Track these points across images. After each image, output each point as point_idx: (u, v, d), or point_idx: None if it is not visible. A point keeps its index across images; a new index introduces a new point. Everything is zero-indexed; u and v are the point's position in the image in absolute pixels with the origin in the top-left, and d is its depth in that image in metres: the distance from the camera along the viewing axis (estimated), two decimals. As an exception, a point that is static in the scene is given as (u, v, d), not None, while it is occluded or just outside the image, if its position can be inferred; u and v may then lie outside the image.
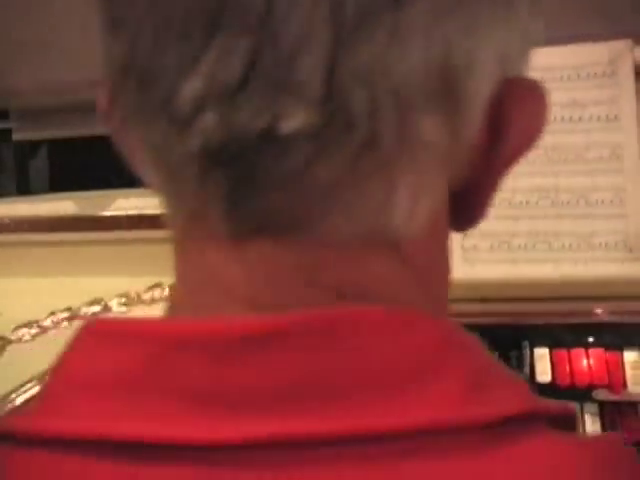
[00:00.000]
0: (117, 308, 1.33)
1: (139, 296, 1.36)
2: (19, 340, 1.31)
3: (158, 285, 1.33)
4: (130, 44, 0.34)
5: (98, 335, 0.38)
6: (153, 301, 1.31)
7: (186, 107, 0.33)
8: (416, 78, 0.33)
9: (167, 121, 0.34)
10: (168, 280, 1.47)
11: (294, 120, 0.32)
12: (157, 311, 1.41)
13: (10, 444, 0.36)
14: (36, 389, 1.12)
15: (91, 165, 1.86)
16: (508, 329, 1.25)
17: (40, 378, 1.11)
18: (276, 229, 0.36)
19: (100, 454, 0.34)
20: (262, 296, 0.36)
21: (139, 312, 1.33)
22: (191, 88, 0.33)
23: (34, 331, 1.32)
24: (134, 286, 1.38)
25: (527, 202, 1.23)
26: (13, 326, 1.34)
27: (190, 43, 0.32)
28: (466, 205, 0.41)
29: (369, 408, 0.34)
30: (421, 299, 0.39)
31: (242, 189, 0.35)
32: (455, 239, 1.22)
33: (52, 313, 1.37)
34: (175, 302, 0.42)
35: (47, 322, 1.35)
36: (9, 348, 1.31)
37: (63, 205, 1.50)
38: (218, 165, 0.34)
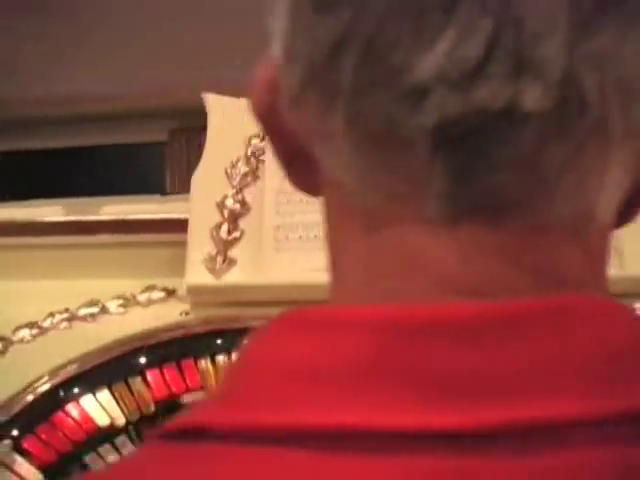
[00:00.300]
0: (115, 309, 1.39)
1: (134, 297, 1.41)
2: (20, 341, 1.36)
3: (152, 287, 1.39)
4: (352, 19, 0.35)
5: (299, 324, 0.38)
6: (149, 302, 1.37)
7: (423, 82, 0.34)
8: None
9: (398, 94, 0.35)
10: (161, 282, 1.52)
11: (533, 100, 0.34)
12: (152, 312, 1.46)
13: (205, 440, 0.36)
14: (46, 386, 1.18)
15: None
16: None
17: (51, 375, 1.16)
18: (491, 211, 0.36)
19: (326, 446, 0.33)
20: (471, 280, 0.36)
21: (136, 314, 1.38)
22: (429, 63, 0.34)
23: (35, 332, 1.37)
24: (129, 288, 1.43)
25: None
26: (13, 327, 1.39)
27: (427, 20, 0.33)
28: (633, 204, 0.42)
29: (612, 390, 0.34)
30: (596, 289, 0.39)
31: (468, 168, 0.35)
32: None
33: (51, 314, 1.42)
34: (340, 288, 0.41)
35: (46, 323, 1.40)
36: (11, 349, 1.36)
37: (55, 210, 1.55)
38: (449, 142, 0.35)
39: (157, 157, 1.64)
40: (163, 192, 1.55)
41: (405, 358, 0.34)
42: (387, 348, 0.35)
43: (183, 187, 1.40)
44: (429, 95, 0.34)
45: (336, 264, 0.42)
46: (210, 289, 1.25)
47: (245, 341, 0.41)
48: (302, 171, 0.44)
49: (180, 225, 1.32)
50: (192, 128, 1.50)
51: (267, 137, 0.46)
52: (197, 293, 1.24)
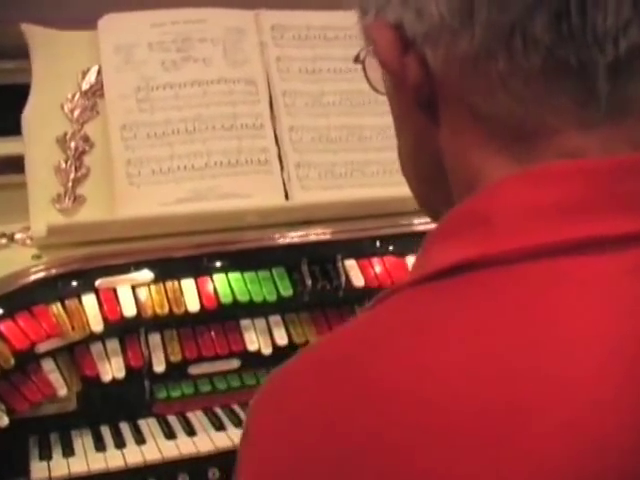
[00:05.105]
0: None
1: (12, 237, 1.33)
2: None
3: (27, 228, 1.31)
4: None
5: (531, 176, 0.47)
6: (24, 242, 1.30)
7: (612, 30, 0.45)
8: None
9: (590, 42, 0.46)
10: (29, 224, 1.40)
11: None
12: (27, 251, 1.35)
13: (473, 272, 0.44)
14: None
15: None
16: (324, 246, 1.46)
17: None
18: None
19: (580, 253, 0.43)
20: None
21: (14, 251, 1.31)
22: (619, 16, 0.45)
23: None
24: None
25: (340, 137, 1.43)
26: None
27: None
28: None
29: None
30: None
31: (626, 85, 0.46)
32: (291, 170, 1.39)
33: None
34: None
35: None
36: None
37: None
38: (616, 70, 0.46)
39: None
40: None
41: (624, 189, 0.46)
42: (607, 184, 0.46)
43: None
44: (609, 40, 0.46)
45: (476, 177, 0.51)
46: (61, 229, 1.20)
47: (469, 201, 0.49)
48: (417, 110, 0.52)
49: (14, 166, 1.25)
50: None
51: (395, 86, 0.54)
52: (48, 234, 1.18)
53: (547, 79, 0.47)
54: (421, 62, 0.50)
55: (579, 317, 0.42)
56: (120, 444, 1.24)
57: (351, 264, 1.48)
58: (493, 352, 0.41)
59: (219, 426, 1.30)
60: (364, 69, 0.60)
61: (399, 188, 1.46)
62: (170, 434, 1.27)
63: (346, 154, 1.41)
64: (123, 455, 1.21)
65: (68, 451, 1.23)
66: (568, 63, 0.46)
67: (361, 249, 1.50)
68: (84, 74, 1.31)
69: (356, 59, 0.61)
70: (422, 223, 1.55)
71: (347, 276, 1.46)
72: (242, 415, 1.34)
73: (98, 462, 1.20)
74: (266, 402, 0.47)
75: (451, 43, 0.48)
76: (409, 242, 1.56)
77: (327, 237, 1.45)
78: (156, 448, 1.24)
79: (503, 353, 0.41)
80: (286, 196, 1.38)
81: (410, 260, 1.54)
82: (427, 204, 0.60)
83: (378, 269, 1.51)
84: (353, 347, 0.45)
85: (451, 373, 0.41)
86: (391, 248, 1.53)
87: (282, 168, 1.38)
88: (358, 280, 1.46)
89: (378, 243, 1.51)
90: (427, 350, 0.42)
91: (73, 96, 1.29)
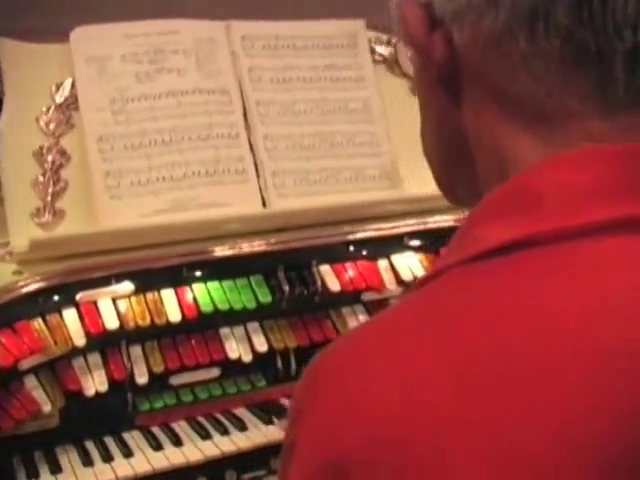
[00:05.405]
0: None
1: None
2: None
3: (6, 243, 1.29)
4: None
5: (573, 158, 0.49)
6: (3, 257, 1.28)
7: (632, 17, 0.47)
8: None
9: (609, 28, 0.47)
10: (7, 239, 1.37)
11: None
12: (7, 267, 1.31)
13: (524, 249, 0.46)
14: None
15: None
16: (299, 252, 1.48)
17: None
18: None
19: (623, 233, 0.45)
20: None
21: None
22: (632, 8, 0.47)
23: None
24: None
25: (312, 145, 1.45)
26: None
27: None
28: None
29: None
30: None
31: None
32: (268, 178, 1.40)
33: None
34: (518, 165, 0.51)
35: None
36: None
37: None
38: (633, 59, 0.48)
39: None
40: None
41: None
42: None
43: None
44: (628, 27, 0.48)
45: (502, 158, 0.53)
46: (43, 243, 1.18)
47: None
48: (440, 89, 0.55)
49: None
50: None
51: (421, 64, 0.56)
52: (30, 249, 1.16)
53: (567, 63, 0.49)
54: (447, 40, 0.52)
55: (632, 291, 0.44)
56: (107, 458, 1.24)
57: (326, 269, 1.51)
58: (555, 323, 0.43)
59: (205, 435, 1.30)
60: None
61: (371, 193, 1.54)
62: (157, 445, 1.27)
63: (319, 161, 1.44)
64: (113, 469, 1.21)
65: (55, 468, 1.21)
66: (588, 48, 0.48)
67: (335, 254, 1.53)
68: (58, 87, 1.30)
69: (388, 43, 0.63)
70: (391, 227, 1.60)
71: (323, 281, 1.48)
72: (226, 423, 1.35)
73: (88, 477, 1.19)
74: (339, 366, 0.47)
75: (476, 22, 0.50)
76: (380, 246, 1.60)
77: (301, 244, 1.47)
78: (145, 460, 1.23)
79: (564, 323, 0.43)
80: (264, 204, 1.39)
81: (382, 263, 1.59)
82: (447, 184, 0.62)
83: (352, 273, 1.54)
84: (419, 316, 0.47)
85: (516, 344, 0.43)
86: (364, 252, 1.57)
87: (258, 176, 1.40)
88: (334, 285, 1.48)
89: (351, 247, 1.55)
90: (493, 323, 0.44)
91: (48, 109, 1.28)
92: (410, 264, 1.59)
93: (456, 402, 0.42)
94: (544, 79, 0.50)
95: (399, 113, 1.64)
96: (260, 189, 1.40)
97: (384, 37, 1.68)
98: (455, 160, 0.58)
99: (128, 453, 1.25)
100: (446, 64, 0.53)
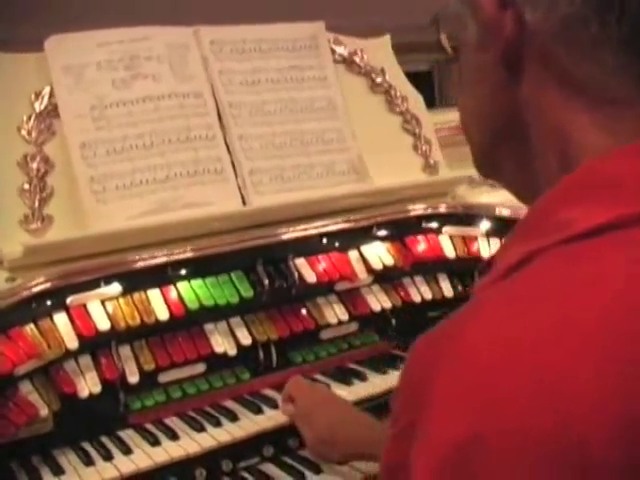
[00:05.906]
0: None
1: None
2: None
3: None
4: None
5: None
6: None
7: None
8: None
9: None
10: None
11: None
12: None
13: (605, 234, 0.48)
14: None
15: None
16: (276, 246, 1.54)
17: None
18: None
19: None
20: None
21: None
22: None
23: None
24: None
25: (284, 143, 1.51)
26: None
27: None
28: None
29: None
30: None
31: None
32: (246, 177, 1.45)
33: None
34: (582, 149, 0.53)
35: None
36: None
37: None
38: None
39: None
40: None
41: None
42: None
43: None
44: None
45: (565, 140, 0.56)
46: (37, 249, 1.20)
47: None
48: (500, 66, 0.57)
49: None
50: None
51: (480, 40, 0.59)
52: (24, 255, 1.18)
53: (634, 51, 0.51)
54: (517, 20, 0.54)
55: None
56: (107, 457, 1.26)
57: (301, 262, 1.57)
58: None
59: (199, 428, 1.34)
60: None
61: (341, 187, 1.60)
62: (154, 441, 1.30)
63: (292, 159, 1.50)
64: (115, 466, 1.24)
65: (57, 470, 1.23)
66: None
67: (309, 247, 1.59)
68: (37, 95, 1.31)
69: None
70: (359, 219, 1.67)
71: (299, 273, 1.54)
72: (217, 415, 1.39)
73: (92, 476, 1.21)
74: (453, 343, 0.49)
75: (551, 5, 0.52)
76: (350, 237, 1.67)
77: (277, 239, 1.53)
78: (145, 456, 1.26)
79: None
80: (243, 201, 1.44)
81: (353, 254, 1.65)
82: (488, 156, 0.64)
83: (325, 264, 1.60)
84: (533, 301, 0.49)
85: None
86: (336, 244, 1.63)
87: (236, 175, 1.44)
88: (310, 276, 1.55)
89: (324, 240, 1.61)
90: (612, 292, 0.47)
91: (29, 118, 1.29)
92: (379, 253, 1.66)
93: (599, 389, 0.43)
94: (610, 65, 0.52)
95: (359, 110, 1.72)
96: (239, 188, 1.45)
97: (342, 38, 1.76)
98: (504, 133, 0.60)
99: (127, 450, 1.28)
100: (513, 42, 0.55)
